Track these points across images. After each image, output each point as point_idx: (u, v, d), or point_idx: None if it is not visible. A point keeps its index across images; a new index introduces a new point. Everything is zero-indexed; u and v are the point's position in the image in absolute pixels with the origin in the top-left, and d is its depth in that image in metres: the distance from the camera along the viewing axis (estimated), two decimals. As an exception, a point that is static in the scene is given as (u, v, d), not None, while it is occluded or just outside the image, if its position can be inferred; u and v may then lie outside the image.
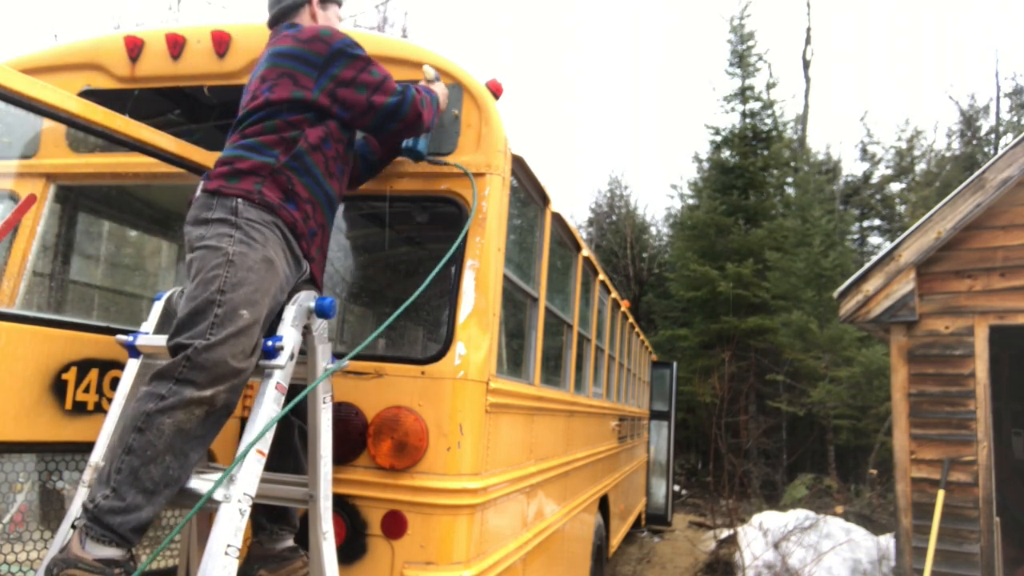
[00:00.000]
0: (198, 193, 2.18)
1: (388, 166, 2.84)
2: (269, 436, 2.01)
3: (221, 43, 3.02)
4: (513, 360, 3.83)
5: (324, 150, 2.30)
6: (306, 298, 2.19)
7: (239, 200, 2.10)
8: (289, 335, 2.10)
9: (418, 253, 4.49)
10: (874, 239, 21.23)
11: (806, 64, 21.58)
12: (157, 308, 2.26)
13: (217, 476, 2.00)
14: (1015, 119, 20.74)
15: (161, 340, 2.09)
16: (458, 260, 2.76)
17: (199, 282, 2.01)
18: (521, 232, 3.55)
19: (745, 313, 15.83)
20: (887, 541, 7.72)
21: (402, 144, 2.70)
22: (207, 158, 2.77)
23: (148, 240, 4.27)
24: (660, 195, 53.25)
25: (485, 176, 2.80)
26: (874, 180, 21.47)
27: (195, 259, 2.06)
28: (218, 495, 1.92)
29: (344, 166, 2.45)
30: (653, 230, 25.86)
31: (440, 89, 2.72)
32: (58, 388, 2.20)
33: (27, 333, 2.13)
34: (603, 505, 6.02)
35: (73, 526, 1.89)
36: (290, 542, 2.43)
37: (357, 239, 3.90)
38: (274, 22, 2.55)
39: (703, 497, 13.53)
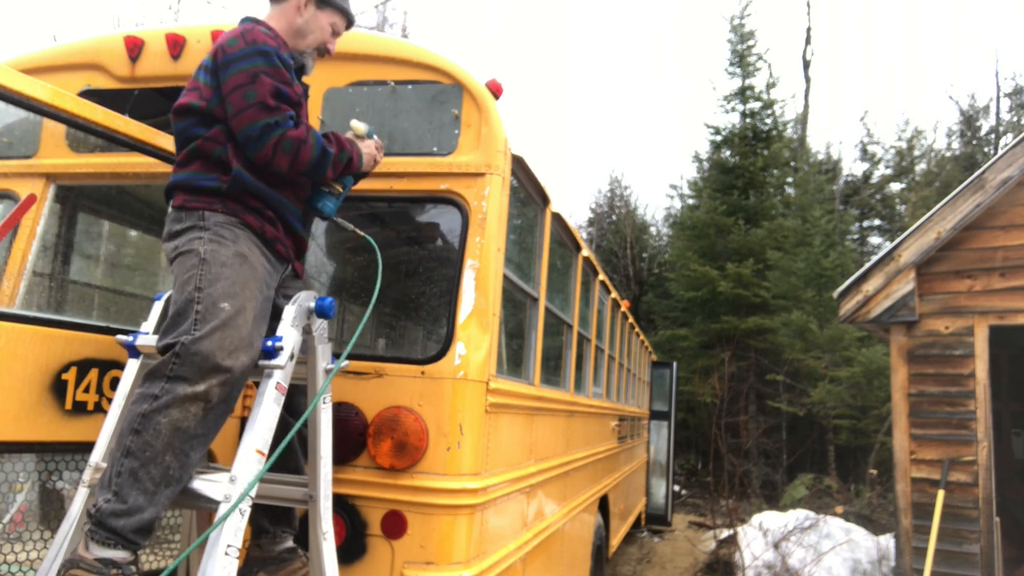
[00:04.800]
0: (169, 211, 2.21)
1: (389, 165, 2.81)
2: (268, 435, 2.01)
3: (221, 43, 3.02)
4: (513, 360, 3.83)
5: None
6: (306, 298, 2.19)
7: (204, 211, 2.13)
8: (289, 335, 2.11)
9: (418, 253, 4.49)
10: (874, 239, 21.25)
11: (806, 64, 21.59)
12: (157, 308, 2.26)
13: (218, 476, 2.00)
14: (1015, 119, 20.75)
15: (160, 340, 2.10)
16: (458, 260, 2.76)
17: (178, 287, 2.06)
18: (521, 232, 3.55)
19: (745, 313, 15.83)
20: (887, 541, 7.72)
21: (309, 198, 2.38)
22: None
23: (148, 240, 4.27)
24: (660, 195, 53.31)
25: (485, 176, 2.80)
26: (874, 180, 21.47)
27: (174, 269, 2.11)
28: (218, 495, 1.92)
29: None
30: (653, 230, 25.88)
31: (366, 146, 2.40)
32: (58, 388, 2.20)
33: (27, 333, 2.13)
34: (603, 505, 6.02)
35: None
36: (289, 543, 2.43)
37: (357, 239, 3.90)
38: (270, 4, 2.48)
39: (703, 497, 13.54)
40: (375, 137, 2.49)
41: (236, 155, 2.15)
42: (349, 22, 2.51)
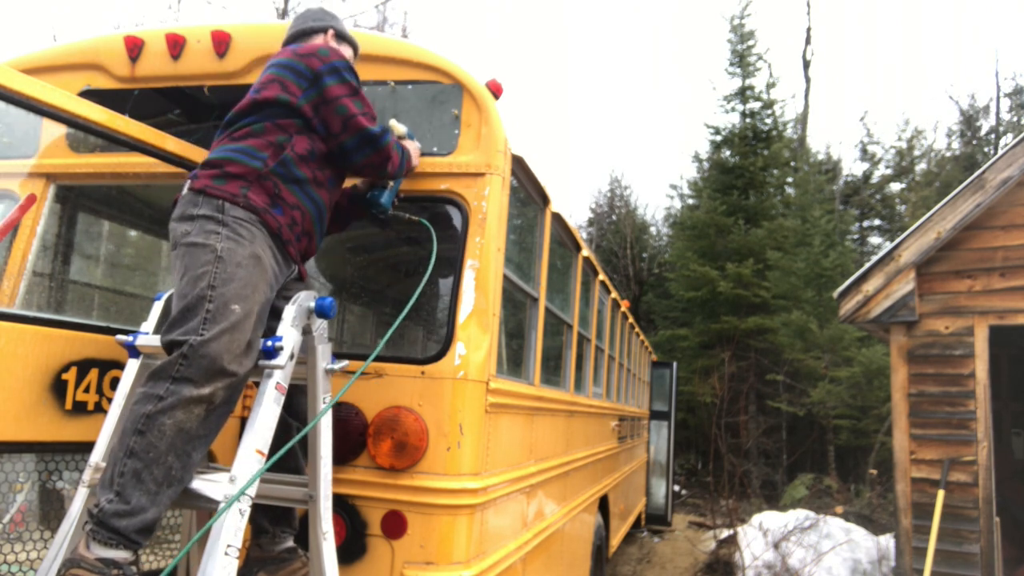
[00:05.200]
0: (184, 191, 2.20)
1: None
2: (268, 435, 2.01)
3: (221, 43, 3.03)
4: (513, 360, 3.83)
5: (311, 160, 2.30)
6: (306, 298, 2.19)
7: (224, 202, 2.11)
8: (289, 335, 2.11)
9: (418, 253, 4.49)
10: (874, 239, 21.26)
11: (806, 64, 21.60)
12: (157, 308, 2.26)
13: (218, 476, 2.00)
14: (1015, 119, 20.76)
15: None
16: (458, 260, 2.76)
17: (188, 279, 2.02)
18: (521, 232, 3.55)
19: (745, 313, 15.84)
20: (887, 541, 7.72)
21: (367, 194, 2.67)
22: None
23: (148, 240, 4.27)
24: (660, 195, 53.32)
25: (485, 176, 2.80)
26: (874, 180, 21.48)
27: (182, 256, 2.07)
28: (218, 495, 1.92)
29: (335, 179, 2.46)
30: (653, 230, 25.88)
31: (412, 146, 2.69)
32: (58, 388, 2.20)
33: (27, 333, 2.13)
34: (603, 505, 6.02)
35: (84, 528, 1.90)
36: (289, 543, 2.43)
37: (357, 239, 3.90)
38: (287, 43, 2.58)
39: (703, 497, 13.54)
40: (414, 138, 2.74)
41: (295, 148, 2.26)
42: (356, 53, 2.74)
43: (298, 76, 2.30)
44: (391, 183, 2.69)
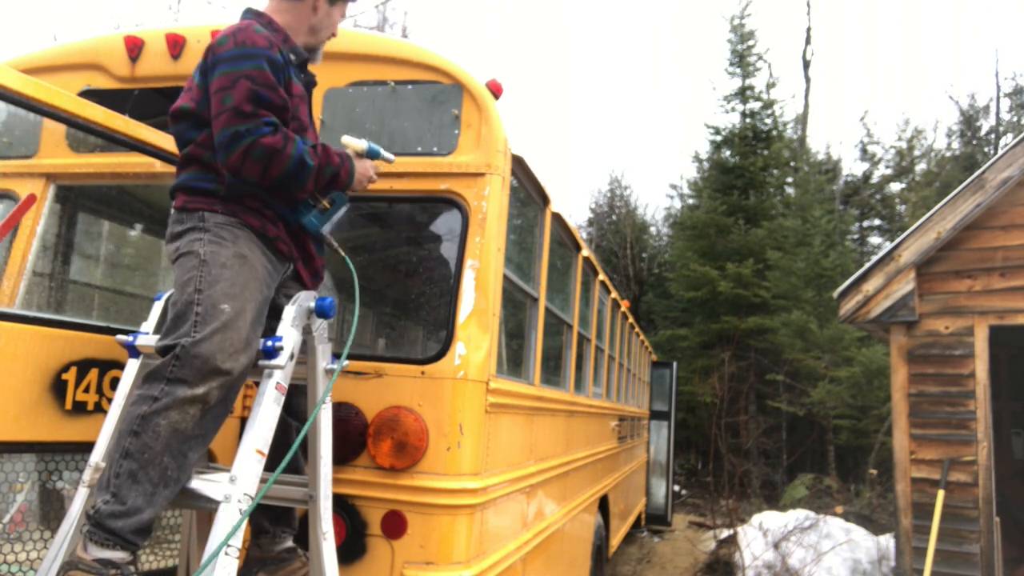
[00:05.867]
0: (171, 212, 2.21)
1: (388, 166, 2.81)
2: (268, 435, 2.01)
3: (221, 43, 3.02)
4: (513, 360, 3.83)
5: None
6: (306, 298, 2.19)
7: (204, 211, 2.12)
8: (289, 335, 2.11)
9: (418, 253, 4.49)
10: (874, 239, 21.25)
11: (806, 64, 21.58)
12: (157, 308, 2.26)
13: (218, 476, 2.01)
14: (1015, 119, 20.75)
15: (160, 341, 2.10)
16: (458, 260, 2.76)
17: (178, 287, 2.06)
18: (521, 232, 3.55)
19: (745, 313, 15.84)
20: (887, 541, 7.72)
21: (292, 210, 2.27)
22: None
23: (148, 240, 4.27)
24: (660, 195, 53.35)
25: (485, 176, 2.80)
26: (874, 180, 21.47)
27: (176, 269, 2.11)
28: (218, 495, 1.92)
29: None
30: (653, 230, 25.88)
31: (366, 166, 2.32)
32: (58, 388, 2.20)
33: (27, 333, 2.13)
34: (603, 505, 6.02)
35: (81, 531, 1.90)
36: (289, 543, 2.43)
37: (357, 239, 3.90)
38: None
39: (703, 497, 13.54)
40: (384, 154, 2.39)
41: None
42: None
43: (200, 74, 2.17)
44: (326, 203, 2.29)
